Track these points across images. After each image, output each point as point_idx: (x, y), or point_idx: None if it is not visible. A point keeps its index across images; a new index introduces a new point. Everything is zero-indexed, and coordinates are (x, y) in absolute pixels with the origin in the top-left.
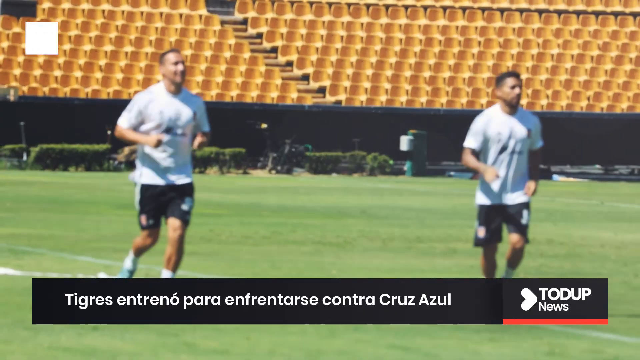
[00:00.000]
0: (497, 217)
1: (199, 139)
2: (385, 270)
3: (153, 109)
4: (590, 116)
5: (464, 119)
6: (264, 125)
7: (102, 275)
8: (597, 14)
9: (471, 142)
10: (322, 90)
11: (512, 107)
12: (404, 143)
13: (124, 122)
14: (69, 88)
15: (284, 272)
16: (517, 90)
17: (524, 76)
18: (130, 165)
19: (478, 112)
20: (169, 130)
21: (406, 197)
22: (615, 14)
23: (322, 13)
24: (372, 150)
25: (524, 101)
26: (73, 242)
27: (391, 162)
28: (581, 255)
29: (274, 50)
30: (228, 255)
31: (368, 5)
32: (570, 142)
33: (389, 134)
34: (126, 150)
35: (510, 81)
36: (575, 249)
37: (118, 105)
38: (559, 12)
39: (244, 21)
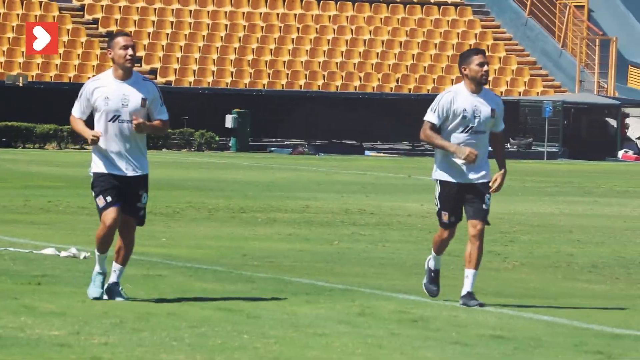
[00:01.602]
0: (458, 197)
1: (139, 120)
2: (211, 238)
3: (99, 95)
4: (399, 97)
5: (284, 99)
6: None
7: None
8: (405, 3)
9: (432, 116)
10: (153, 72)
11: (480, 84)
12: (229, 121)
13: (75, 111)
14: None
15: (117, 240)
16: (485, 67)
17: (337, 60)
18: None
19: (296, 92)
20: (115, 117)
21: (230, 171)
22: (422, 4)
23: (153, 1)
24: (200, 127)
25: (338, 83)
26: None
27: (217, 138)
28: (390, 224)
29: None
30: (66, 225)
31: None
32: (380, 121)
33: (215, 113)
34: None
35: (477, 58)
36: (385, 219)
37: None
38: (371, 2)
39: (81, 8)
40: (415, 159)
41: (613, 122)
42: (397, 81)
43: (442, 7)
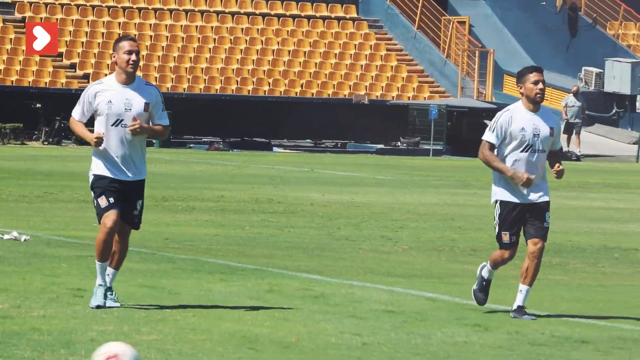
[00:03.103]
0: (518, 217)
1: (130, 123)
2: None
3: (102, 99)
4: (303, 100)
5: (201, 101)
6: (38, 105)
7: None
8: (309, 18)
9: (491, 136)
10: (86, 77)
11: (536, 103)
12: None
13: (76, 114)
14: None
15: (54, 225)
16: (540, 85)
17: (249, 67)
18: None
19: (212, 95)
20: (118, 122)
21: (154, 165)
22: (324, 19)
23: (86, 14)
24: None
25: (249, 87)
26: None
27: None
28: (295, 212)
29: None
30: (7, 212)
31: (124, 8)
32: (287, 121)
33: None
34: None
35: (532, 77)
36: (290, 207)
37: None
38: (279, 16)
39: (23, 19)
40: (317, 155)
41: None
42: (302, 86)
43: (341, 21)
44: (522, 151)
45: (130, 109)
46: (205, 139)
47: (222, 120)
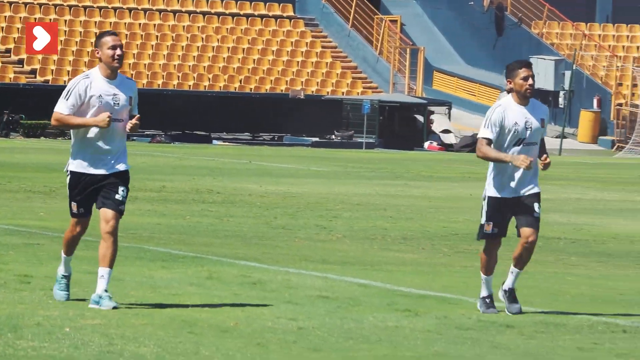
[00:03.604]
0: (507, 211)
1: (133, 121)
2: None
3: (92, 93)
4: (242, 95)
5: (143, 96)
6: None
7: None
8: (247, 16)
9: (486, 132)
10: (33, 72)
11: (526, 98)
12: None
13: (64, 109)
14: None
15: (2, 214)
16: (530, 81)
17: (190, 63)
18: None
19: (154, 90)
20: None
21: None
22: (262, 17)
23: (34, 12)
24: None
25: (190, 82)
26: None
27: None
28: (234, 202)
29: None
30: None
31: (70, 6)
32: (226, 115)
33: None
34: None
35: (522, 72)
36: (229, 197)
37: None
38: (218, 15)
39: None
40: (255, 147)
41: (420, 118)
42: (241, 82)
43: (278, 19)
44: (515, 144)
45: (118, 103)
46: (148, 132)
47: (164, 114)
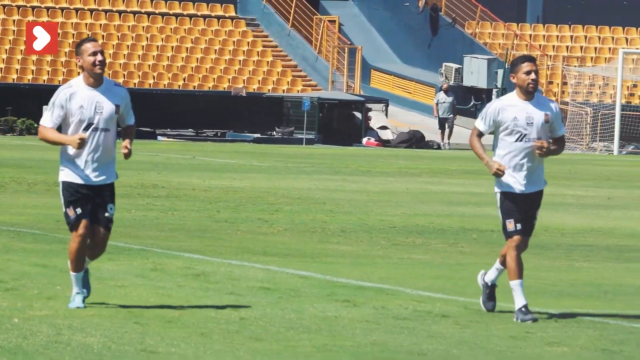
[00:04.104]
0: (521, 206)
1: (126, 148)
2: (30, 207)
3: (74, 104)
4: (185, 92)
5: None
6: None
7: None
8: (190, 16)
9: (480, 123)
10: None
11: (528, 93)
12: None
13: (47, 122)
14: None
15: None
16: (532, 75)
17: (135, 62)
18: None
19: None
20: (89, 126)
21: (47, 152)
22: (204, 17)
23: (12, 13)
24: (22, 116)
25: (135, 80)
26: None
27: (36, 125)
28: (178, 196)
29: None
30: None
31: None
32: (171, 112)
33: (33, 104)
34: None
35: (525, 67)
36: (173, 192)
37: None
38: (163, 15)
39: None
40: (199, 143)
41: (359, 115)
42: (184, 80)
43: (220, 20)
44: (517, 140)
45: (101, 112)
46: None
47: None
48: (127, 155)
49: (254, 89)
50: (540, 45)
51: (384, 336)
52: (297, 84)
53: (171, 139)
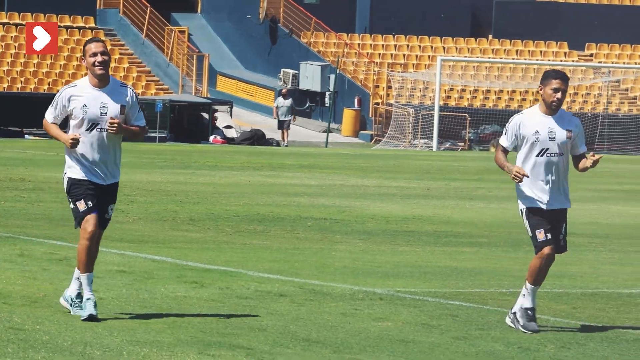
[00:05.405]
0: (548, 219)
1: (116, 119)
2: None
3: (76, 103)
4: (51, 95)
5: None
6: None
7: None
8: (67, 27)
9: (503, 139)
10: None
11: (551, 109)
12: None
13: (49, 116)
14: None
15: None
16: (559, 95)
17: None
18: None
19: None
20: (94, 126)
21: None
22: (68, 27)
23: None
24: None
25: (5, 85)
26: None
27: None
28: (43, 189)
29: None
30: None
31: None
32: (37, 112)
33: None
34: None
35: (554, 83)
36: (39, 185)
37: None
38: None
39: None
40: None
41: (206, 116)
42: (49, 84)
43: (81, 30)
44: (538, 155)
45: (106, 113)
46: None
47: None
48: (112, 126)
49: None
50: (367, 53)
51: (229, 313)
52: (150, 88)
53: (37, 137)
